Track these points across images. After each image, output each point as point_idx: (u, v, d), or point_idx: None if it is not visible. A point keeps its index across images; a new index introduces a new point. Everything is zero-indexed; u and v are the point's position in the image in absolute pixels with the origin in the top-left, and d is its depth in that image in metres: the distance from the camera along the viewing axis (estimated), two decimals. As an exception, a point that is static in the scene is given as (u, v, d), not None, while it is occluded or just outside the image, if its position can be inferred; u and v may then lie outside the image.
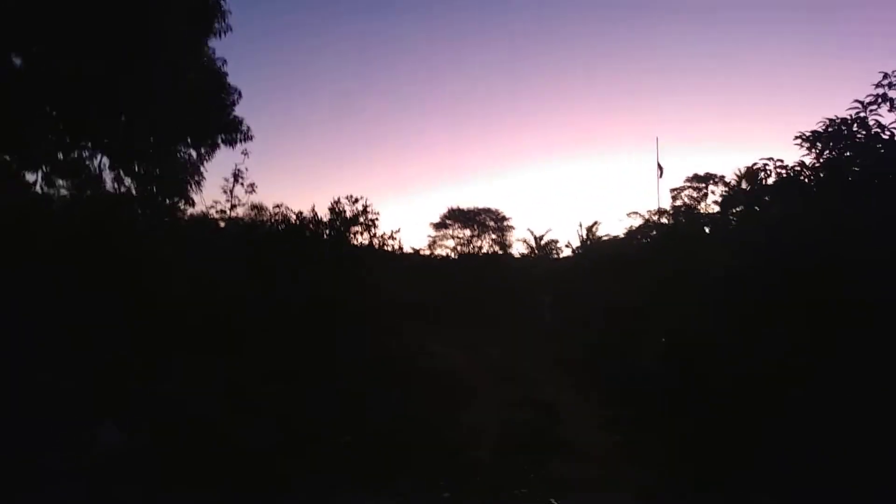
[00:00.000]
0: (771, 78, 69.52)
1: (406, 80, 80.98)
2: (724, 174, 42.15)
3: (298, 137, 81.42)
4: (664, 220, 30.24)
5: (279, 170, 69.58)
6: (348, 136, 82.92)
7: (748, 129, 63.13)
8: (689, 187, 47.30)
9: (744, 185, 14.22)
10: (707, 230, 15.72)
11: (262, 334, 12.37)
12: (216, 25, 15.87)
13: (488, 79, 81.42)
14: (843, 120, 8.13)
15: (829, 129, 8.17)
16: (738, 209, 11.91)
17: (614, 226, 68.25)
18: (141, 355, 10.37)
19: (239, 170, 15.78)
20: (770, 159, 8.69)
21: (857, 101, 8.57)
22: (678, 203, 42.54)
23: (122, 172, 16.53)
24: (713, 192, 45.19)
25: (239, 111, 18.08)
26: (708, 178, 46.89)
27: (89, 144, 16.06)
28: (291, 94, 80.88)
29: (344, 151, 79.69)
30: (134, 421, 8.45)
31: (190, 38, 16.19)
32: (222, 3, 15.90)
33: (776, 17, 64.19)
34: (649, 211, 35.09)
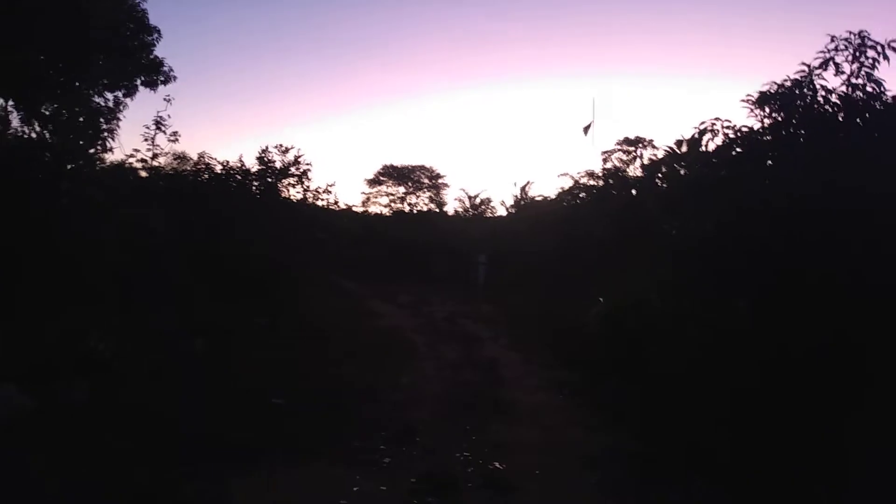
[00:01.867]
0: (720, 41, 71.11)
1: (340, 27, 78.41)
2: (653, 138, 42.96)
3: (225, 82, 77.95)
4: (592, 183, 30.64)
5: (205, 117, 66.56)
6: (278, 85, 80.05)
7: (691, 96, 64.62)
8: (619, 150, 48.09)
9: (684, 148, 14.29)
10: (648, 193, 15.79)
11: (184, 291, 11.63)
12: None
13: (424, 28, 79.83)
14: (795, 81, 8.10)
15: (778, 91, 8.15)
16: (680, 171, 11.96)
17: (547, 186, 69.08)
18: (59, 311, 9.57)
19: (161, 117, 14.60)
20: (717, 119, 8.62)
21: (804, 63, 8.58)
22: (608, 165, 43.31)
23: (29, 117, 15.18)
24: (642, 156, 46.24)
25: (161, 52, 16.86)
26: (638, 142, 47.84)
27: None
28: (218, 35, 77.02)
29: (274, 103, 76.97)
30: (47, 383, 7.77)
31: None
32: None
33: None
34: (579, 172, 35.55)
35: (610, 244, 16.81)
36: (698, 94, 60.75)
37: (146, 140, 14.72)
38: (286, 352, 11.03)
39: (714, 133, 8.51)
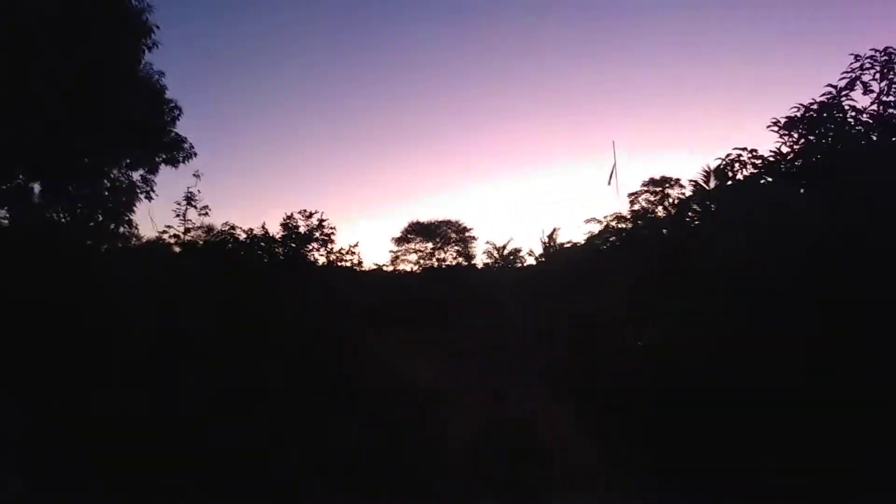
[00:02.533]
0: (727, 79, 71.11)
1: (359, 95, 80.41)
2: (679, 177, 42.47)
3: (249, 155, 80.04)
4: (622, 226, 30.13)
5: (231, 190, 68.09)
6: (302, 154, 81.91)
7: (705, 133, 64.41)
8: (646, 191, 47.60)
9: (712, 182, 13.86)
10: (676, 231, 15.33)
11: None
12: (146, 41, 14.90)
13: (442, 91, 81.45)
14: (821, 104, 7.72)
15: (806, 115, 7.76)
16: (709, 207, 11.50)
17: (574, 232, 68.48)
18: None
19: (191, 192, 14.88)
20: (743, 149, 8.24)
21: (830, 85, 8.20)
22: (636, 207, 42.76)
23: (55, 198, 15.49)
24: (669, 196, 45.62)
25: (183, 129, 17.16)
26: (664, 182, 47.36)
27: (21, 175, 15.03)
28: (239, 109, 79.58)
29: (297, 170, 78.64)
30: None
31: (123, 54, 15.24)
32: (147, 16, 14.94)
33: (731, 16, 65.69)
34: (606, 216, 35.10)
35: (644, 285, 16.27)
36: (718, 128, 60.25)
37: (178, 216, 14.96)
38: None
39: (742, 164, 8.13)
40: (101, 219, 14.63)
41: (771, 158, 8.10)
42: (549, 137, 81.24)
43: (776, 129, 7.97)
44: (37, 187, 15.62)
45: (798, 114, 8.27)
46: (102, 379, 9.76)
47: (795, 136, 7.97)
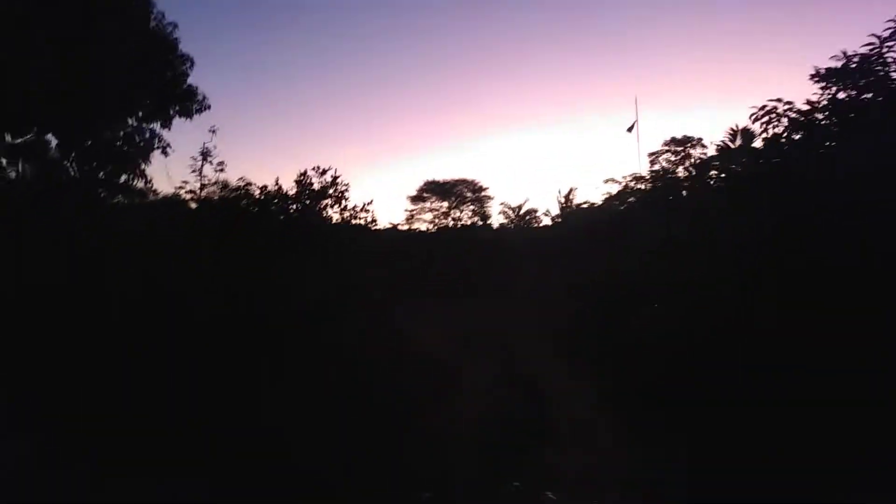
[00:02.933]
0: (753, 36, 68.92)
1: (375, 49, 79.09)
2: (701, 136, 41.44)
3: (262, 108, 79.45)
4: (640, 186, 29.52)
5: (245, 143, 67.74)
6: (316, 107, 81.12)
7: (729, 92, 62.72)
8: (667, 151, 46.59)
9: (738, 142, 13.29)
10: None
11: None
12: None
13: (458, 43, 79.84)
14: (863, 56, 7.21)
15: (849, 65, 7.26)
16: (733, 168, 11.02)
17: (592, 192, 67.63)
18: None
19: (207, 148, 14.81)
20: (778, 100, 7.74)
21: (873, 34, 7.68)
22: (656, 167, 41.94)
23: (67, 151, 15.32)
24: (691, 156, 44.64)
25: (195, 80, 16.83)
26: (686, 142, 46.25)
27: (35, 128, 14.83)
28: (252, 61, 78.66)
29: (312, 123, 77.97)
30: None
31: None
32: None
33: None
34: (625, 177, 34.45)
35: (662, 247, 15.87)
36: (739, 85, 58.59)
37: (194, 171, 14.89)
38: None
39: (778, 117, 7.63)
40: (111, 170, 14.44)
41: (806, 108, 7.60)
42: (568, 94, 79.64)
43: (817, 79, 7.45)
44: (55, 141, 15.43)
45: (838, 64, 7.75)
46: (109, 340, 9.64)
47: (834, 88, 7.45)
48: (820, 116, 7.43)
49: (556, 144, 76.46)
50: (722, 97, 67.09)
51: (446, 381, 12.10)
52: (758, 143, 12.54)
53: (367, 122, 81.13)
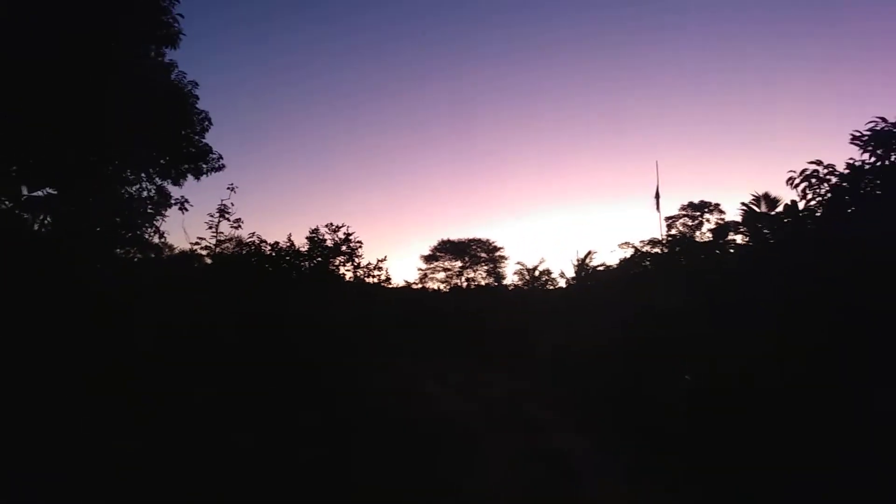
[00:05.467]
0: (766, 109, 69.64)
1: (392, 111, 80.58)
2: (718, 202, 41.11)
3: (280, 170, 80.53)
4: (657, 251, 29.13)
5: (259, 204, 68.43)
6: (334, 169, 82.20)
7: (743, 162, 62.99)
8: (684, 216, 46.31)
9: (763, 207, 12.87)
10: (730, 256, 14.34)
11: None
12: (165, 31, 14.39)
13: (477, 108, 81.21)
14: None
15: (889, 128, 6.89)
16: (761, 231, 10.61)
17: (607, 256, 67.29)
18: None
19: (224, 205, 14.77)
20: (818, 163, 7.33)
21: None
22: (673, 232, 41.61)
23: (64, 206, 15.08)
24: (708, 221, 44.30)
25: (212, 141, 16.76)
26: (703, 207, 46.01)
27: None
28: (271, 124, 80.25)
29: (330, 185, 78.82)
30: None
31: (153, 57, 14.92)
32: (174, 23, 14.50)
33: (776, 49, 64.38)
34: (641, 241, 34.09)
35: (684, 312, 15.32)
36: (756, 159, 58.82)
37: (210, 228, 14.83)
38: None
39: (819, 180, 7.21)
40: (126, 225, 14.30)
41: (848, 172, 7.18)
42: (586, 156, 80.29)
43: (859, 143, 7.07)
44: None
45: (877, 128, 7.38)
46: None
47: (880, 152, 7.05)
48: (865, 179, 7.00)
49: (573, 207, 76.56)
50: (735, 162, 67.25)
51: (463, 448, 11.37)
52: (782, 206, 12.17)
53: (383, 187, 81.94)
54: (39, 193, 15.10)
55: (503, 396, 17.82)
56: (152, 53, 14.67)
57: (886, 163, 6.91)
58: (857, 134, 7.13)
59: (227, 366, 11.73)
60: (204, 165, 16.33)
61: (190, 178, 16.68)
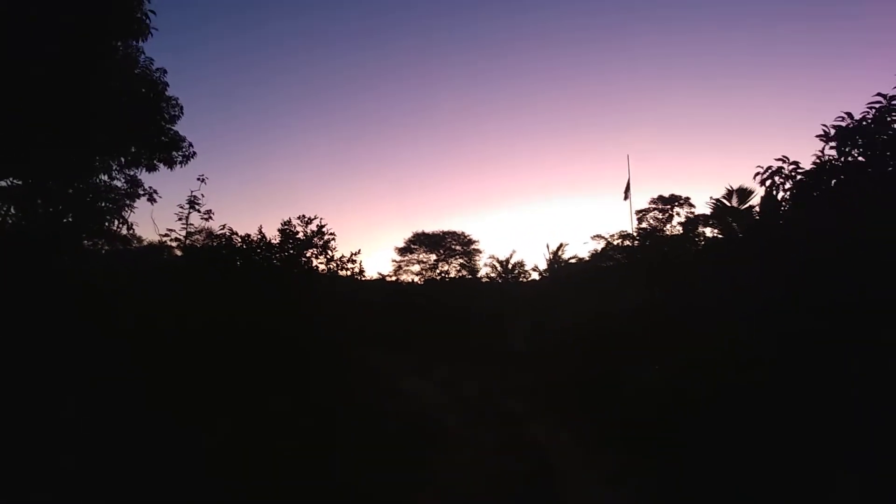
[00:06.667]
0: (740, 103, 70.74)
1: (367, 99, 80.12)
2: (689, 196, 41.74)
3: (251, 157, 79.61)
4: (628, 243, 29.57)
5: (230, 194, 67.57)
6: (307, 158, 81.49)
7: (717, 157, 63.93)
8: (654, 209, 46.85)
9: (734, 201, 13.17)
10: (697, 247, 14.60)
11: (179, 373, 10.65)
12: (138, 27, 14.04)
13: (450, 95, 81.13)
14: (876, 113, 7.00)
15: (854, 125, 7.06)
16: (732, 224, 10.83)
17: (579, 248, 67.85)
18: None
19: (195, 196, 14.44)
20: (784, 159, 7.49)
21: (879, 94, 7.53)
22: (644, 225, 42.13)
23: (32, 196, 14.73)
24: (678, 214, 44.92)
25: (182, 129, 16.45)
26: (673, 200, 46.58)
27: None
28: (241, 114, 79.20)
29: (302, 176, 78.12)
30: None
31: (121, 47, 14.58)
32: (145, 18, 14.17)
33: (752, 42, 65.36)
34: (612, 235, 34.45)
35: (650, 305, 15.57)
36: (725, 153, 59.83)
37: (180, 219, 14.54)
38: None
39: (784, 177, 7.37)
40: (94, 216, 14.01)
41: (813, 169, 7.35)
42: (558, 149, 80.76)
43: (825, 139, 7.23)
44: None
45: (843, 124, 7.56)
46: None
47: (845, 149, 7.21)
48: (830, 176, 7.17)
49: (546, 199, 76.98)
50: (706, 157, 68.32)
51: (441, 441, 11.40)
52: (755, 201, 12.41)
53: (355, 176, 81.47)
54: (4, 184, 14.75)
55: (478, 388, 17.94)
56: (120, 45, 14.33)
57: (849, 159, 7.08)
58: (825, 131, 7.29)
59: (202, 356, 11.56)
60: (177, 154, 16.03)
61: (160, 167, 16.42)
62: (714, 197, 14.21)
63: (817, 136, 7.27)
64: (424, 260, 42.43)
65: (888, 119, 7.00)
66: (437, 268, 41.76)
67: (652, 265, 17.98)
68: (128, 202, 16.12)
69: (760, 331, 7.48)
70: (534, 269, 38.10)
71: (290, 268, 15.99)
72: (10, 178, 14.59)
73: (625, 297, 18.11)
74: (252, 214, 76.73)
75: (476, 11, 79.44)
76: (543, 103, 78.88)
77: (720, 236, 13.96)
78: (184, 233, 14.76)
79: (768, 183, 7.69)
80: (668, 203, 48.22)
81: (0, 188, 14.57)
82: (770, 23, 69.79)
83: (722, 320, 9.20)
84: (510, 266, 39.17)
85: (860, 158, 7.00)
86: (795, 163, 7.57)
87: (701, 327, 10.76)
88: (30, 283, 10.27)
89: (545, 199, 74.52)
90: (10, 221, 14.26)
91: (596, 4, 75.67)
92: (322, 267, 16.81)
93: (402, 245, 42.52)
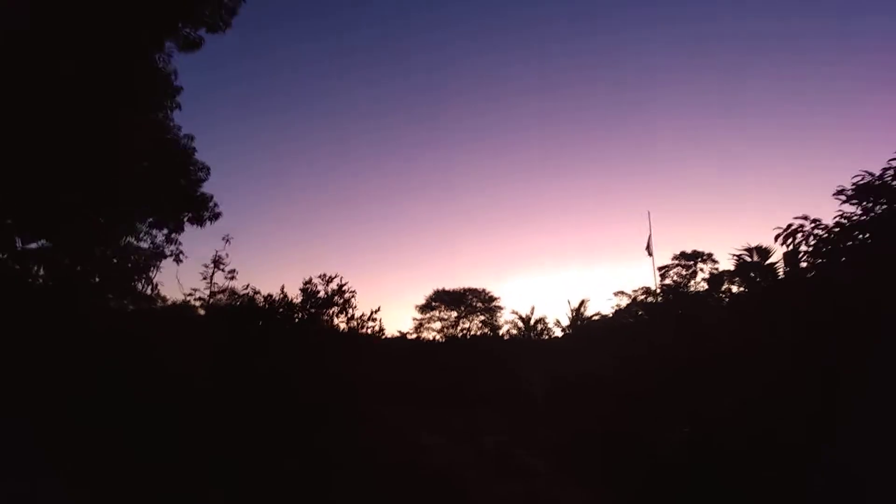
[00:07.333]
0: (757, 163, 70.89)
1: (390, 160, 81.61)
2: (711, 251, 41.55)
3: (274, 217, 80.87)
4: (651, 300, 29.22)
5: (260, 255, 68.40)
6: (329, 219, 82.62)
7: (735, 212, 63.71)
8: (677, 265, 46.42)
9: (755, 257, 13.05)
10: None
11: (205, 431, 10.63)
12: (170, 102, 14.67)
13: (472, 155, 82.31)
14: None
15: (875, 182, 7.04)
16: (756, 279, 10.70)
17: (602, 305, 67.16)
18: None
19: (219, 255, 14.70)
20: (805, 218, 7.46)
21: (899, 151, 7.52)
22: (667, 281, 41.65)
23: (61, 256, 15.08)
24: (702, 270, 44.44)
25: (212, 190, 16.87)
26: (696, 256, 46.17)
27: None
28: (267, 172, 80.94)
29: (325, 234, 79.05)
30: None
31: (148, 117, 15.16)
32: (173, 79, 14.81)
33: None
34: (635, 290, 34.16)
35: (677, 361, 15.26)
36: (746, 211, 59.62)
37: (205, 279, 14.72)
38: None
39: (805, 235, 7.34)
40: (120, 276, 14.28)
41: (837, 228, 7.30)
42: (581, 205, 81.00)
43: (843, 197, 7.21)
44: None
45: (861, 182, 7.55)
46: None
47: (864, 206, 7.18)
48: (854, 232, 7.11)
49: (568, 256, 76.73)
50: (720, 217, 68.05)
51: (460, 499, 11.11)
52: (774, 258, 12.32)
53: (377, 235, 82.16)
54: (34, 245, 15.15)
55: (496, 443, 17.59)
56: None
57: (872, 215, 7.03)
58: (841, 188, 7.28)
59: (218, 413, 11.56)
60: (205, 213, 16.39)
61: (186, 225, 16.78)
62: (735, 252, 14.12)
63: (834, 195, 7.26)
64: (445, 317, 42.25)
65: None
66: (458, 325, 41.53)
67: (680, 321, 17.70)
68: (154, 263, 16.48)
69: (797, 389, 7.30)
70: (556, 325, 37.73)
71: (310, 327, 16.05)
72: (40, 240, 15.03)
73: (651, 352, 17.80)
74: (275, 272, 77.54)
75: (498, 73, 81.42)
76: (566, 166, 79.65)
77: (745, 290, 13.79)
78: (207, 292, 14.99)
79: (789, 241, 7.65)
80: (691, 259, 47.81)
81: (30, 249, 15.00)
82: (789, 80, 70.47)
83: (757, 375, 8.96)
84: (532, 322, 38.83)
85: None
86: (816, 220, 7.53)
87: (727, 380, 10.50)
88: (53, 341, 10.44)
89: (565, 259, 74.45)
90: (39, 282, 14.59)
91: (615, 71, 77.16)
92: (343, 325, 16.87)
93: (422, 302, 42.47)
